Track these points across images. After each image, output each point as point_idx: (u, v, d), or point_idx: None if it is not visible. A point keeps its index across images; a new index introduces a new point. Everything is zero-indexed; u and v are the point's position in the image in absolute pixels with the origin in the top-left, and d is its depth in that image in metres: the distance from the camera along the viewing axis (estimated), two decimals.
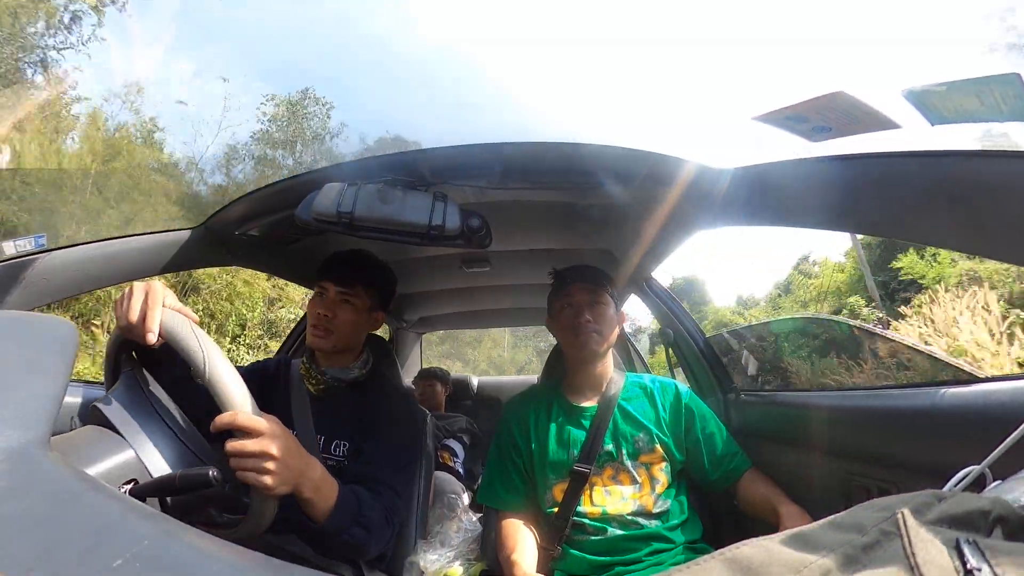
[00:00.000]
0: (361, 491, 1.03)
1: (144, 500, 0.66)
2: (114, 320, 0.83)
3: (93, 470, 0.64)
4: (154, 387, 0.81)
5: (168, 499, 0.70)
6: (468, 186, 1.22)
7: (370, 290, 1.26)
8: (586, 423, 1.29)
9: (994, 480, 0.43)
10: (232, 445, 0.75)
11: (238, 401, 0.75)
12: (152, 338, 0.77)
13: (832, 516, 0.35)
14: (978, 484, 0.43)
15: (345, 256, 1.28)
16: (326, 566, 1.12)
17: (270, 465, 0.77)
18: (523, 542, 1.20)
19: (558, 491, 1.25)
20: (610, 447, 1.25)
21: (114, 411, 0.72)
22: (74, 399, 1.18)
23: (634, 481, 1.23)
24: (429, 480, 1.45)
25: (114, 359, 0.86)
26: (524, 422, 1.34)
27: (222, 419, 0.74)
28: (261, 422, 0.77)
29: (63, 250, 1.08)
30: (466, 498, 1.89)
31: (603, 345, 1.30)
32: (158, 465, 0.70)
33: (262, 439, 0.76)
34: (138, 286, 0.81)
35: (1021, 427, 0.46)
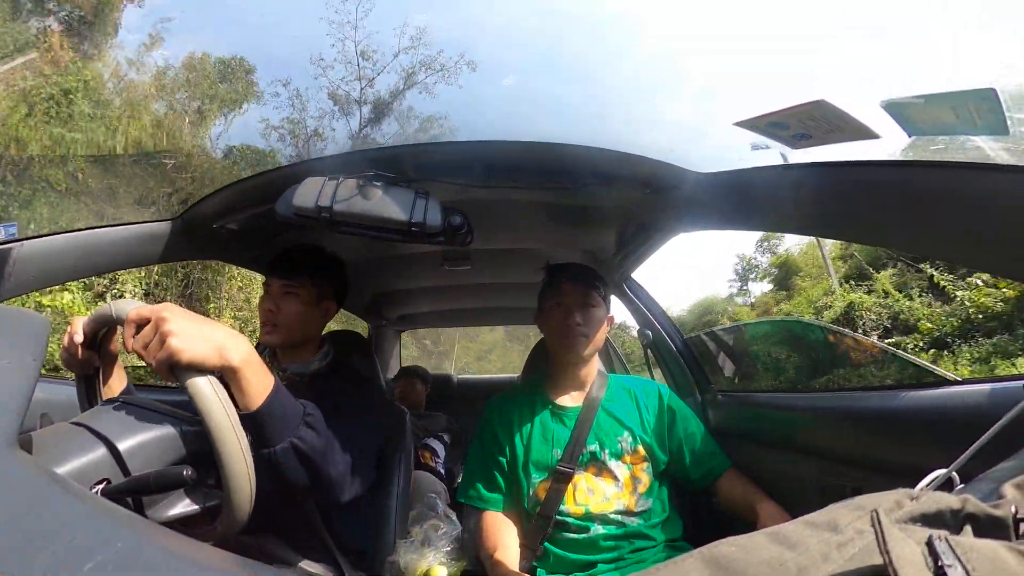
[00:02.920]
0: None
1: (118, 501, 0.65)
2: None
3: (63, 469, 0.62)
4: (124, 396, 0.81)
5: (142, 499, 0.68)
6: (450, 183, 1.21)
7: (315, 281, 1.25)
8: (570, 423, 1.29)
9: (961, 483, 0.44)
10: (133, 341, 0.73)
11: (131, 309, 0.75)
12: (79, 338, 0.80)
13: (808, 515, 0.35)
14: (946, 487, 0.45)
15: (287, 250, 1.28)
16: (305, 567, 1.11)
17: (169, 327, 0.70)
18: (505, 541, 1.20)
19: (541, 490, 1.25)
20: (593, 447, 1.25)
21: (88, 416, 0.71)
22: (44, 395, 1.15)
23: (616, 480, 1.23)
24: (408, 479, 1.44)
25: (85, 394, 0.88)
26: (507, 420, 1.34)
27: (127, 340, 0.73)
28: (154, 306, 0.74)
29: (34, 240, 1.04)
30: (447, 497, 1.88)
31: (590, 348, 1.30)
32: (132, 464, 0.69)
33: (156, 316, 0.72)
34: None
35: (987, 433, 0.47)
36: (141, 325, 0.72)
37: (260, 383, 0.80)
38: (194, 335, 0.70)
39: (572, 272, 1.35)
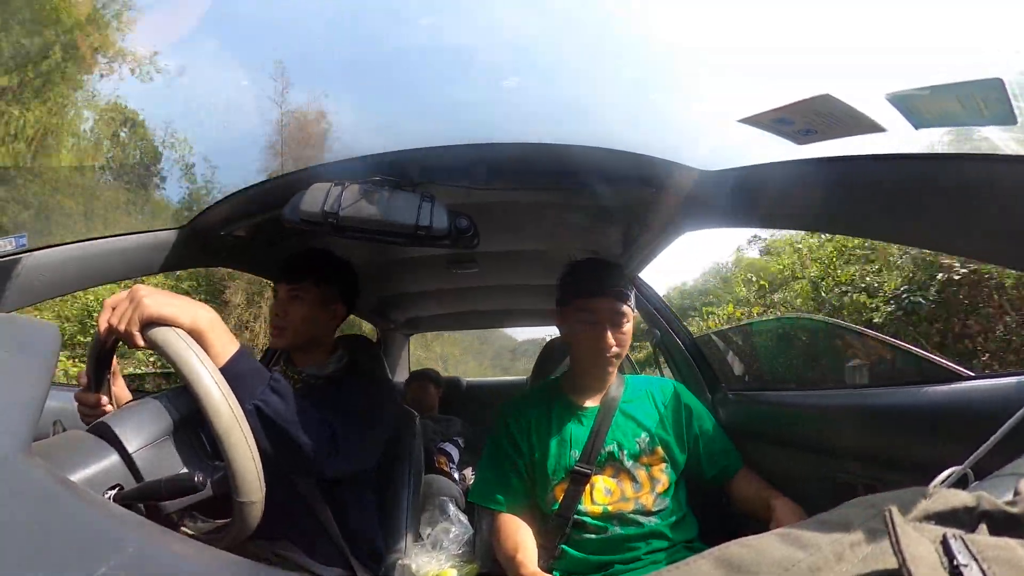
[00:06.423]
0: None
1: (130, 507, 0.65)
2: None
3: (76, 476, 0.63)
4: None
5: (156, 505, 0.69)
6: (456, 186, 1.21)
7: (321, 284, 1.26)
8: (588, 423, 1.28)
9: (975, 480, 0.43)
10: (109, 316, 0.77)
11: None
12: (83, 380, 0.87)
13: (820, 514, 0.35)
14: (961, 484, 0.44)
15: (294, 255, 1.29)
16: (318, 571, 1.12)
17: (142, 294, 0.77)
18: (524, 541, 1.18)
19: (559, 491, 1.24)
20: (611, 448, 1.24)
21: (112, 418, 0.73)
22: (57, 403, 1.16)
23: (635, 481, 1.22)
24: (418, 482, 1.44)
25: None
26: (524, 422, 1.32)
27: (101, 322, 0.78)
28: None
29: (44, 250, 1.06)
30: (462, 501, 1.87)
31: (618, 364, 1.30)
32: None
33: (130, 291, 0.78)
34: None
35: (1001, 429, 0.47)
36: (116, 306, 0.78)
37: (224, 345, 0.85)
38: (165, 299, 0.78)
39: (602, 282, 1.26)
